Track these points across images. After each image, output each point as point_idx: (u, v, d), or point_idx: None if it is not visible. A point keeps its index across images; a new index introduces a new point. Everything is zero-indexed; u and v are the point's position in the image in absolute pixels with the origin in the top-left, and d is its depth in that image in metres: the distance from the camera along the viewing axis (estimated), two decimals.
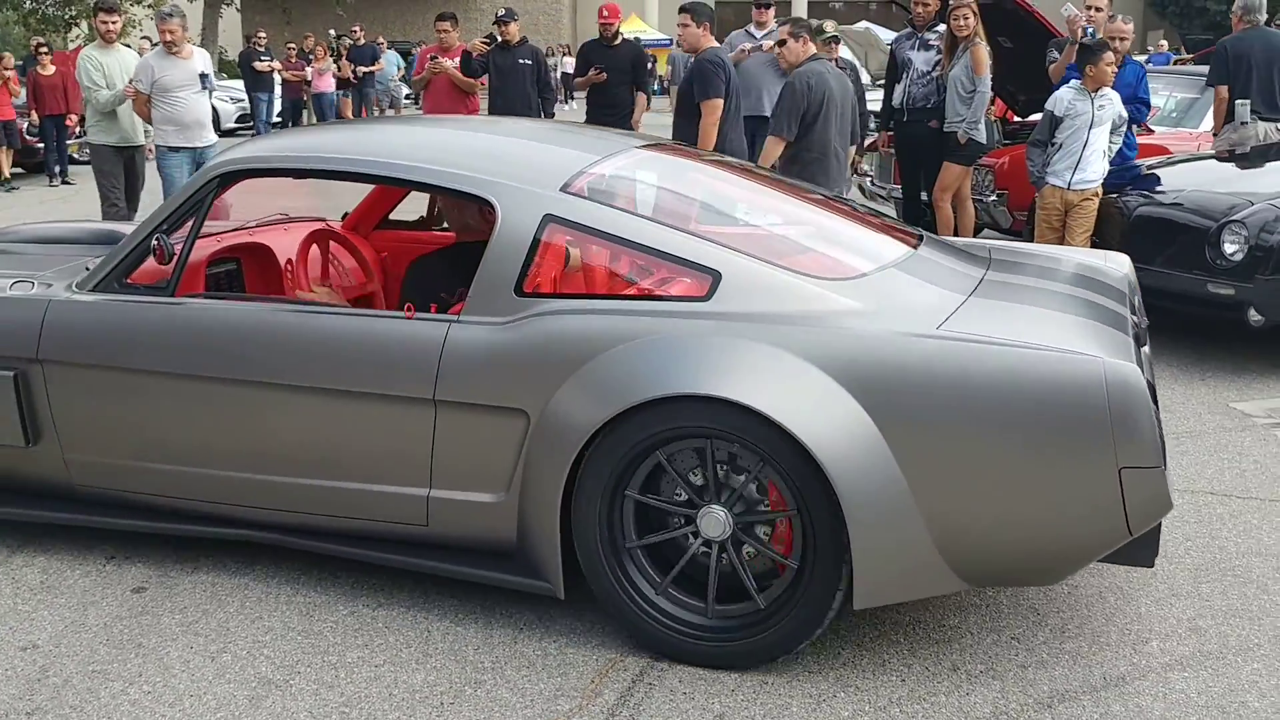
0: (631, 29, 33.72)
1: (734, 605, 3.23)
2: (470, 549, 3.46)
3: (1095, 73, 6.67)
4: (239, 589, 3.67)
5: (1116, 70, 6.86)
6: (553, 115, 9.71)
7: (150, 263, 3.76)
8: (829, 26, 7.91)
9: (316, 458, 3.52)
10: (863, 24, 21.56)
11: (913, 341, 3.05)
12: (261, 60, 20.84)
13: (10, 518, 3.96)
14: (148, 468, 3.73)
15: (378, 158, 3.70)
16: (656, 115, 13.48)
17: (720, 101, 7.20)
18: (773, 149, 6.74)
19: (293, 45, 22.63)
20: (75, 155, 16.35)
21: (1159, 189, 6.74)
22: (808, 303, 3.22)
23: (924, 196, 8.60)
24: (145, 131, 8.39)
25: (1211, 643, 3.31)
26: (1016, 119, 9.59)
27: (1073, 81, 6.92)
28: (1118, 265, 4.07)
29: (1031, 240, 6.89)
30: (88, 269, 3.92)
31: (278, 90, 21.69)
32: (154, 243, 3.64)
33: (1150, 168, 7.23)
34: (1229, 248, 5.93)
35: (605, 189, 3.66)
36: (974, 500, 2.98)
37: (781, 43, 7.03)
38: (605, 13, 9.50)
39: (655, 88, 29.51)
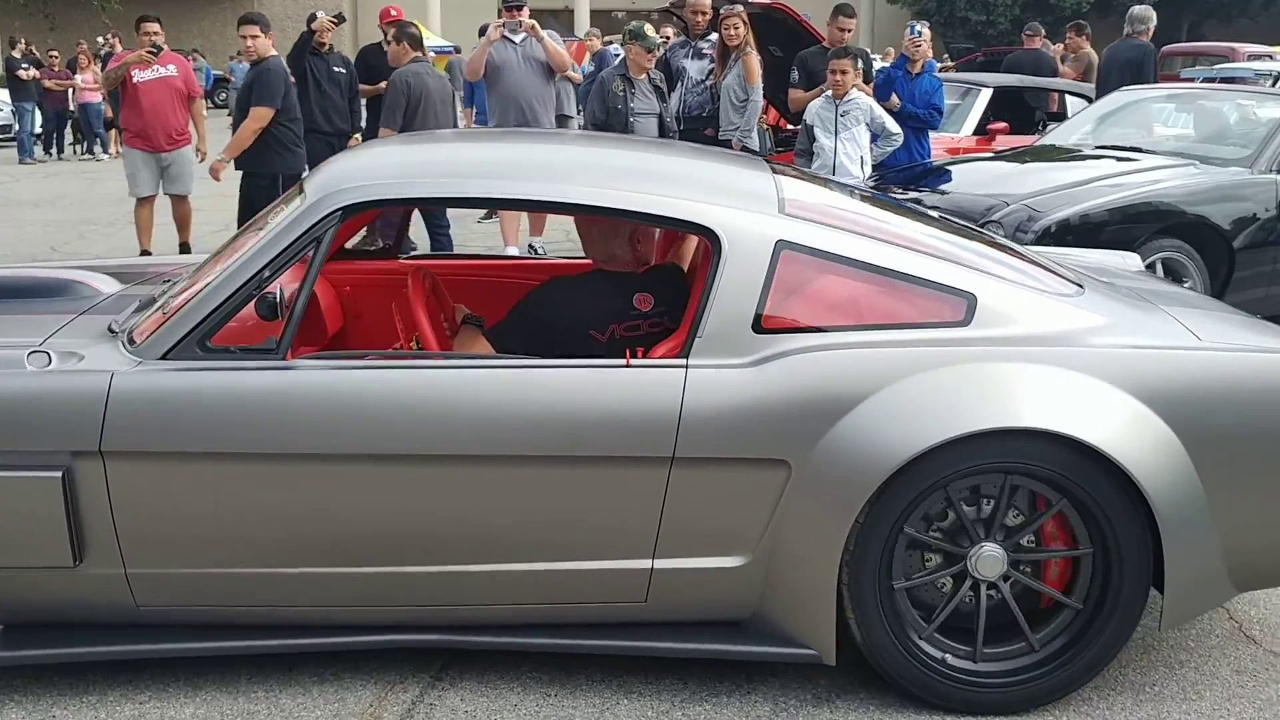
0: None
1: (1002, 648, 3.09)
2: (687, 623, 3.14)
3: (831, 82, 7.03)
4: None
5: (848, 78, 7.19)
6: (361, 129, 9.19)
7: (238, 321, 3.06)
8: (649, 31, 7.77)
9: (501, 538, 3.01)
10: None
11: (1205, 355, 3.08)
12: (23, 69, 19.68)
13: (52, 660, 3.11)
14: (245, 575, 3.01)
15: (569, 185, 3.20)
16: None
17: (269, 111, 7.57)
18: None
19: (56, 53, 21.42)
20: None
21: (936, 189, 7.04)
22: (1062, 321, 3.13)
23: None
24: None
25: None
26: (789, 127, 9.89)
27: (826, 91, 7.29)
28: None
29: None
30: (112, 329, 3.18)
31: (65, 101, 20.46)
32: (261, 294, 2.98)
33: (928, 169, 7.59)
34: None
35: (815, 211, 3.31)
36: (1261, 507, 3.04)
37: (390, 41, 7.75)
38: (392, 13, 9.36)
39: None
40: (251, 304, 2.99)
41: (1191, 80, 13.80)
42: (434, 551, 3.01)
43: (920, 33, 8.36)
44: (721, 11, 8.00)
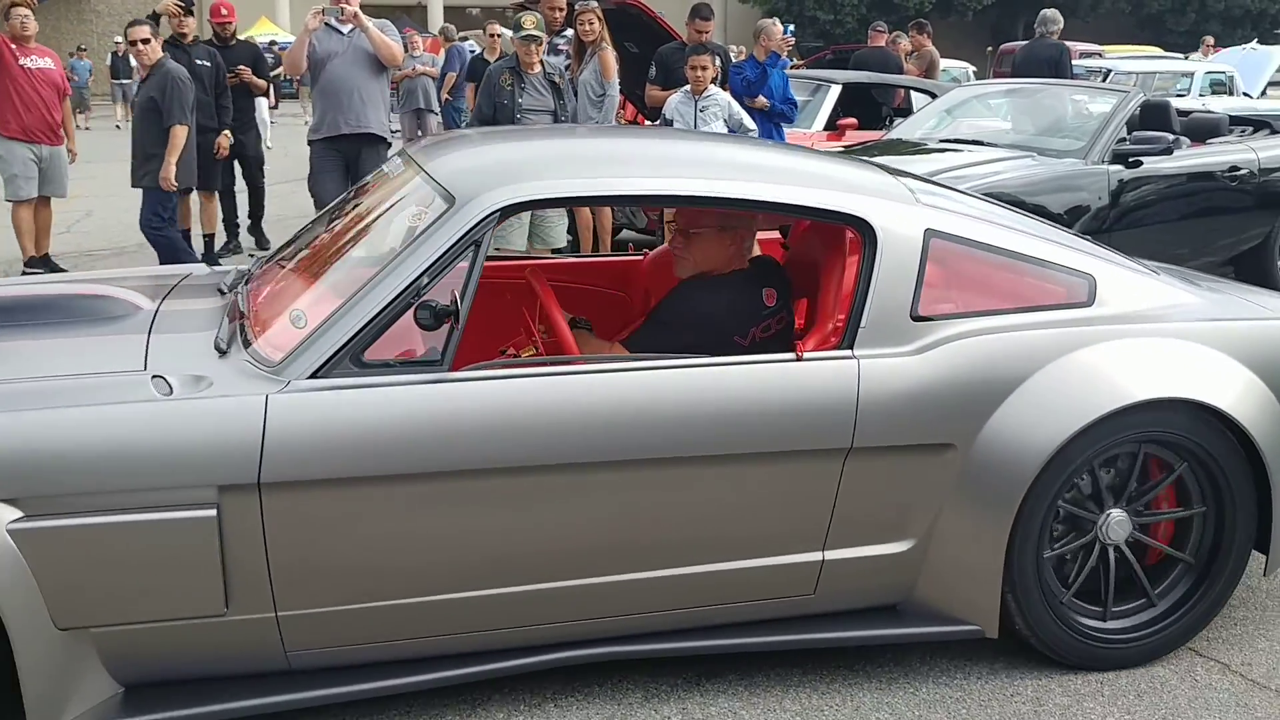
0: (263, 32, 32.55)
1: (1125, 606, 3.33)
2: (845, 613, 3.21)
3: (691, 78, 7.19)
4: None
5: (707, 74, 7.36)
6: (229, 126, 8.77)
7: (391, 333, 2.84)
8: (528, 23, 7.20)
9: (674, 542, 2.97)
10: (498, 27, 21.73)
11: None
12: None
13: None
14: (403, 606, 2.83)
15: (730, 182, 3.15)
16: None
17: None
18: (179, 137, 7.39)
19: None
20: None
21: None
22: (1164, 298, 3.40)
23: None
24: None
25: None
26: (647, 122, 9.99)
27: (685, 87, 7.42)
28: None
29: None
30: (221, 348, 2.90)
31: None
32: (422, 302, 2.77)
33: None
34: None
35: (943, 200, 3.44)
36: None
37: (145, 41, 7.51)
38: (223, 11, 9.01)
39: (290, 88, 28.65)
40: (440, 317, 2.77)
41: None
42: (605, 561, 2.93)
43: (794, 32, 8.67)
44: (576, 8, 8.03)
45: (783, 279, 3.51)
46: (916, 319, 3.10)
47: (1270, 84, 18.59)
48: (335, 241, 3.46)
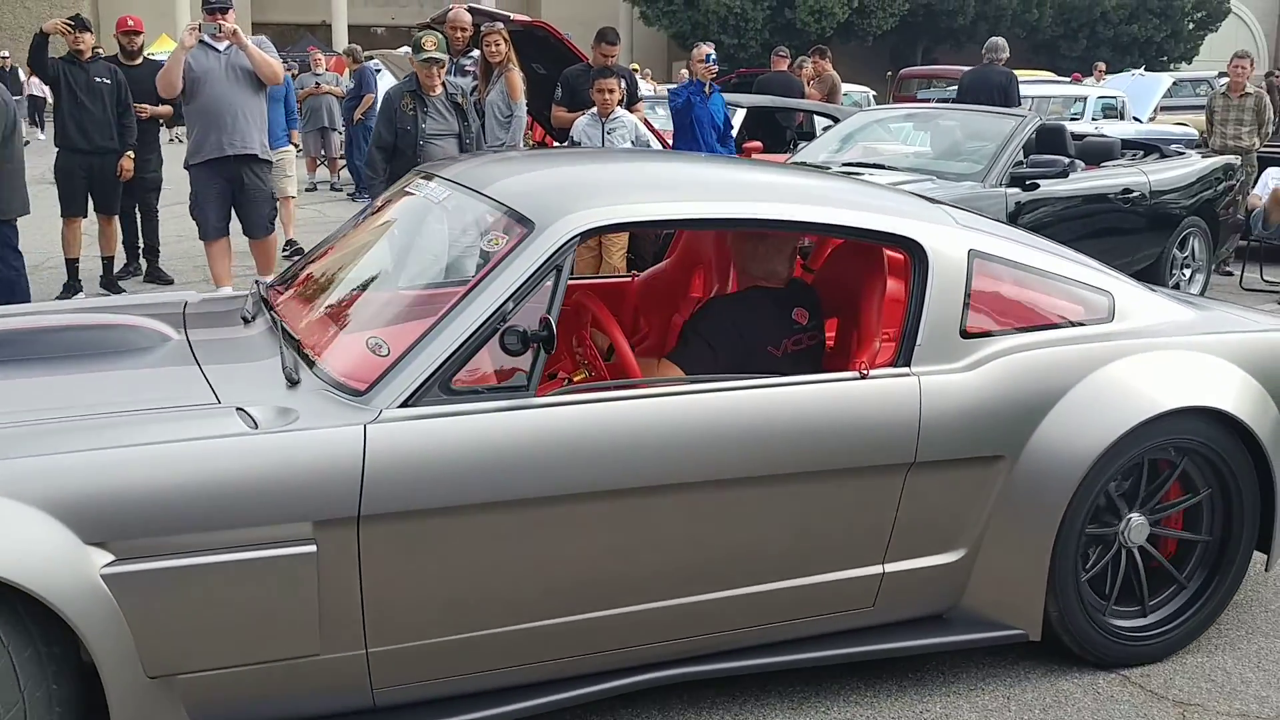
0: (164, 49, 31.87)
1: (1160, 598, 3.53)
2: (899, 623, 3.31)
3: (599, 101, 7.22)
4: None
5: (614, 97, 7.42)
6: (133, 146, 8.41)
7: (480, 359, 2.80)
8: (428, 45, 6.89)
9: (747, 561, 3.02)
10: (404, 49, 21.60)
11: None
12: None
13: None
14: (492, 636, 2.80)
15: (796, 205, 3.25)
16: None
17: None
18: None
19: None
20: None
21: None
22: (1170, 313, 3.60)
23: None
24: None
25: None
26: (555, 143, 9.99)
27: (592, 109, 7.46)
28: None
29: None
30: (290, 376, 2.81)
31: None
32: (509, 327, 2.73)
33: None
34: None
35: (979, 222, 3.57)
36: None
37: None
38: (129, 23, 8.65)
39: None
40: (539, 340, 2.74)
41: (928, 101, 14.67)
42: (682, 583, 2.96)
43: (714, 59, 8.78)
44: (483, 29, 8.02)
45: (813, 299, 3.61)
46: (965, 336, 3.25)
47: (1163, 109, 19.24)
48: (378, 265, 3.45)
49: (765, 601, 3.08)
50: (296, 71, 14.98)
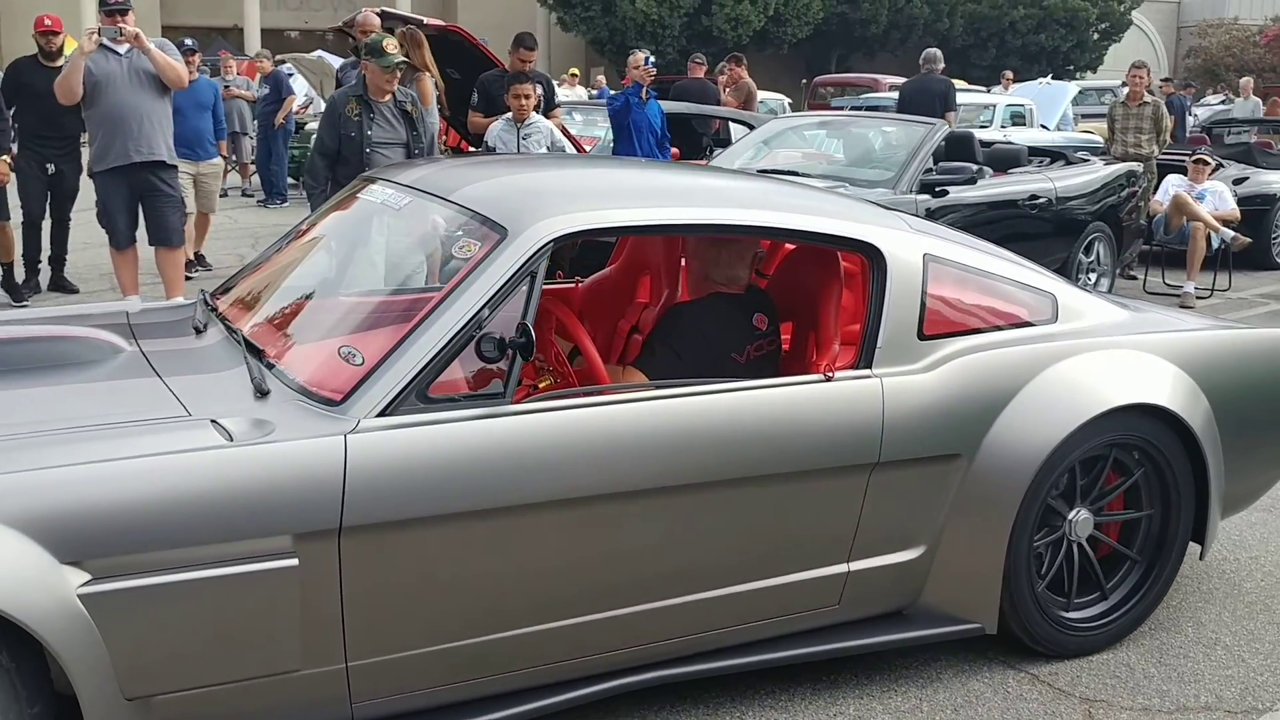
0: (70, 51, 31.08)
1: (1087, 597, 3.61)
2: (862, 620, 3.37)
3: (514, 107, 7.24)
4: None
5: (529, 103, 7.44)
6: (12, 151, 8.22)
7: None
8: (390, 47, 6.47)
9: (720, 563, 3.06)
10: (318, 53, 21.35)
11: (1220, 334, 3.81)
12: None
13: None
14: (468, 646, 2.79)
15: (758, 210, 3.30)
16: None
17: None
18: None
19: None
20: None
21: None
22: (1107, 314, 3.72)
23: None
24: None
25: None
26: (470, 149, 9.93)
27: (507, 114, 7.46)
28: None
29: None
30: (259, 386, 2.75)
31: None
32: (484, 335, 2.71)
33: None
34: None
35: (928, 227, 3.65)
36: (1246, 459, 3.77)
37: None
38: (46, 22, 8.31)
39: None
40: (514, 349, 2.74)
41: (841, 109, 14.85)
42: (653, 587, 2.99)
43: (653, 62, 8.86)
44: (396, 32, 7.94)
45: (769, 304, 3.65)
46: (923, 338, 3.32)
47: (1084, 116, 19.69)
48: (336, 272, 3.40)
49: (737, 603, 3.13)
50: (209, 75, 14.68)
